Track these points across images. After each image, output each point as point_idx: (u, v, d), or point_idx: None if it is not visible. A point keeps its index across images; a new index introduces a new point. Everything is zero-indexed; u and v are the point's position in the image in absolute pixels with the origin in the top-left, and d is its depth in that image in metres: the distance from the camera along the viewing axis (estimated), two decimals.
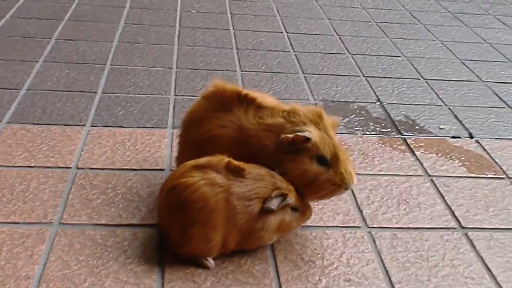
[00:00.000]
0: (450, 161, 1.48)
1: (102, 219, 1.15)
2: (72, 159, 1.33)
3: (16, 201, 1.18)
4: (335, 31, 2.32)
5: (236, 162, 1.06)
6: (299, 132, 1.08)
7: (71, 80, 1.70)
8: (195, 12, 2.37)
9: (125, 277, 1.02)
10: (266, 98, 1.17)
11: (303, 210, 1.11)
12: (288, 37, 2.21)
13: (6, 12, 2.17)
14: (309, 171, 1.10)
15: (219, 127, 1.14)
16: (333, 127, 1.14)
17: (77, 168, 1.30)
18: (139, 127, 1.49)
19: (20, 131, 1.42)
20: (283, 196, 1.05)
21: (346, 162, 1.12)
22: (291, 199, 1.06)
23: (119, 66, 1.81)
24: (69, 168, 1.30)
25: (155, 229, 1.14)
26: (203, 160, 1.07)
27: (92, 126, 1.48)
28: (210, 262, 1.06)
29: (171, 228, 1.05)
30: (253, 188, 1.05)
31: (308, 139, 1.08)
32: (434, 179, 1.40)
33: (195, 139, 1.17)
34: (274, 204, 1.04)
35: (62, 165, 1.31)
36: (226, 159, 1.06)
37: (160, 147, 1.41)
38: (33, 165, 1.30)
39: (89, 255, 1.06)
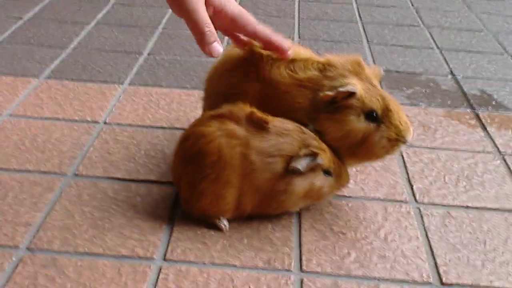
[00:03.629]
0: None
1: (118, 173, 1.06)
2: (101, 114, 1.25)
3: (34, 150, 1.11)
4: (411, 4, 2.12)
5: (260, 114, 0.93)
6: (340, 87, 0.93)
7: (119, 41, 1.64)
8: None
9: (129, 232, 0.92)
10: (299, 50, 1.03)
11: (338, 175, 0.96)
12: (357, 8, 2.04)
13: None
14: (356, 130, 0.95)
15: (244, 80, 1.01)
16: (375, 78, 0.98)
17: (105, 123, 1.22)
18: (178, 87, 1.40)
19: (56, 86, 1.37)
20: (313, 155, 0.91)
21: (399, 112, 0.96)
22: (323, 159, 0.91)
23: (170, 31, 1.73)
24: (97, 122, 1.22)
25: (172, 186, 1.03)
26: (223, 109, 0.95)
27: (129, 84, 1.40)
28: (224, 223, 0.94)
29: (182, 182, 0.94)
30: (276, 143, 0.91)
31: (352, 94, 0.93)
32: (506, 157, 1.20)
33: (218, 94, 1.05)
34: (301, 164, 0.90)
35: (89, 119, 1.23)
36: (249, 109, 0.93)
37: (196, 107, 1.30)
38: (60, 117, 1.23)
39: (96, 207, 0.97)
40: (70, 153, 1.11)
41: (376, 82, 0.96)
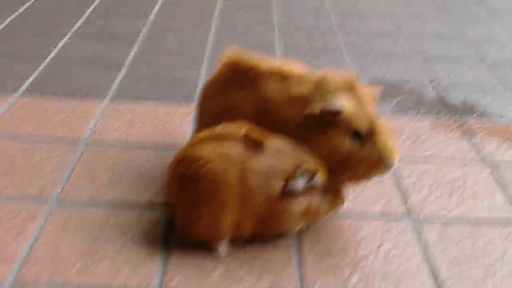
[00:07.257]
0: None
1: (105, 198, 1.02)
2: (83, 132, 1.21)
3: (13, 174, 1.06)
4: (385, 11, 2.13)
5: (255, 133, 0.90)
6: (327, 104, 0.91)
7: (97, 54, 1.59)
8: None
9: (121, 262, 0.88)
10: (292, 66, 1.00)
11: (334, 195, 0.94)
12: (334, 17, 2.03)
13: None
14: (340, 148, 0.92)
15: (237, 97, 0.98)
16: (370, 98, 0.96)
17: (87, 142, 1.18)
18: (163, 103, 1.36)
19: (35, 101, 1.31)
20: (310, 175, 0.88)
21: (387, 136, 0.94)
22: (319, 179, 0.89)
23: (150, 43, 1.68)
24: (79, 141, 1.18)
25: (164, 210, 1.00)
26: (218, 129, 0.92)
27: (111, 100, 1.35)
28: (223, 248, 0.90)
29: (178, 206, 0.91)
30: (272, 164, 0.88)
31: (339, 112, 0.91)
32: (494, 167, 1.20)
33: (211, 111, 1.02)
34: (299, 184, 0.87)
35: (71, 138, 1.18)
36: (245, 128, 0.90)
37: (182, 124, 1.27)
38: (39, 137, 1.18)
39: (84, 236, 0.92)
40: (52, 176, 1.06)
41: (368, 103, 0.94)
